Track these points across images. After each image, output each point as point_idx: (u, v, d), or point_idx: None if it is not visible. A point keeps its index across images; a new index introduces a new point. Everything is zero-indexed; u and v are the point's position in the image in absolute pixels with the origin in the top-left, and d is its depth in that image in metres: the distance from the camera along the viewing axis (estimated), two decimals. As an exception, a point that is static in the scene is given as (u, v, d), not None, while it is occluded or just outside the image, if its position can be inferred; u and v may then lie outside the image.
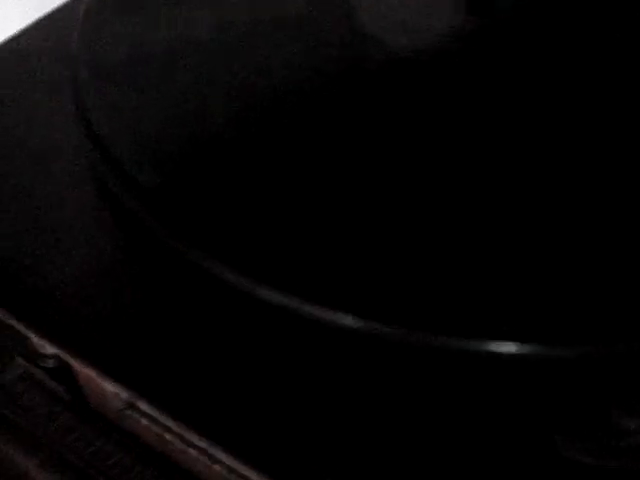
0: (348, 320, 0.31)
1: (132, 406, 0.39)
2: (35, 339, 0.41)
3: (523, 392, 0.30)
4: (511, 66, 0.39)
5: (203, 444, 0.33)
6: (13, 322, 0.37)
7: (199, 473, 0.40)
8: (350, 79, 0.39)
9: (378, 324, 0.31)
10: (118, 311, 0.34)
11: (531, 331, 0.30)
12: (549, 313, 0.31)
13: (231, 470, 0.37)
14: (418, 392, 0.30)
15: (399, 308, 0.31)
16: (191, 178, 0.37)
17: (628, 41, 0.39)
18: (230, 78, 0.40)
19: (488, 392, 0.30)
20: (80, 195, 0.39)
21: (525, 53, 0.39)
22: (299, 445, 0.30)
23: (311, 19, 0.42)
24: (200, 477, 0.40)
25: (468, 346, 0.30)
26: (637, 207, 0.33)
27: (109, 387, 0.39)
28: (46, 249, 0.37)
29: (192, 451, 0.39)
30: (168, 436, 0.39)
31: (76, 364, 0.37)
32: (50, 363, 0.42)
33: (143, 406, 0.34)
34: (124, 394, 0.34)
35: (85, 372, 0.38)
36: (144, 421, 0.39)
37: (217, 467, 0.38)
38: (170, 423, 0.34)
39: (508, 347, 0.30)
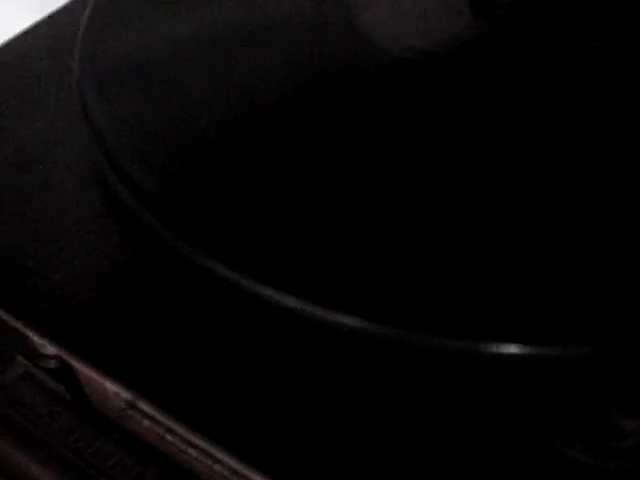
0: (349, 321, 0.31)
1: (133, 406, 0.39)
2: (36, 339, 0.41)
3: (523, 392, 0.30)
4: (513, 67, 0.39)
5: (204, 444, 0.33)
6: (14, 322, 0.37)
7: (200, 473, 0.40)
8: (351, 81, 0.39)
9: (380, 325, 0.31)
10: (119, 311, 0.34)
11: (531, 332, 0.30)
12: (549, 314, 0.31)
13: (232, 470, 0.37)
14: (418, 393, 0.30)
15: (400, 309, 0.31)
16: (195, 181, 0.37)
17: (629, 41, 0.39)
18: (233, 81, 0.40)
19: (488, 392, 0.30)
20: (82, 197, 0.39)
21: (527, 53, 0.39)
22: (300, 445, 0.30)
23: (313, 20, 0.42)
24: (201, 477, 0.40)
25: (468, 347, 0.30)
26: (637, 208, 0.33)
27: (110, 387, 0.39)
28: (47, 250, 0.37)
29: (193, 451, 0.39)
30: (169, 436, 0.39)
31: (77, 364, 0.37)
32: (51, 363, 0.42)
33: (144, 406, 0.34)
34: (125, 394, 0.34)
35: (86, 372, 0.38)
36: (145, 421, 0.39)
37: (218, 467, 0.38)
38: (171, 423, 0.34)
39: (508, 348, 0.30)
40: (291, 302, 0.32)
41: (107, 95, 0.40)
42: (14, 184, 0.40)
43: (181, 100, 0.40)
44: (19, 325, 0.37)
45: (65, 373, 0.41)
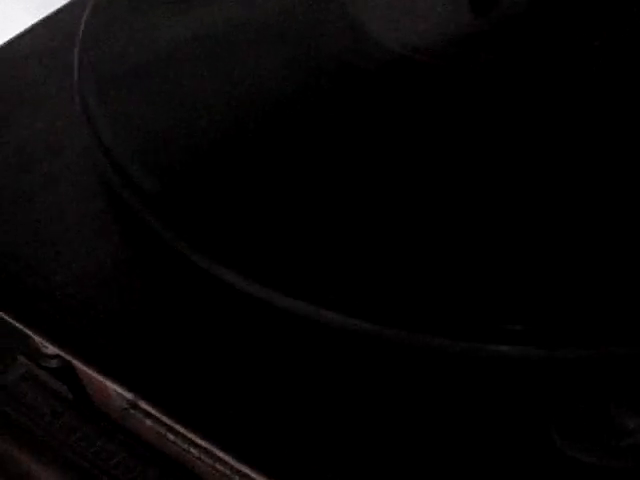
0: (349, 322, 0.31)
1: (135, 406, 0.39)
2: (37, 339, 0.41)
3: (524, 392, 0.30)
4: (513, 65, 0.39)
5: (206, 444, 0.33)
6: (15, 322, 0.37)
7: (202, 473, 0.40)
8: (351, 79, 0.39)
9: (382, 326, 0.31)
10: (120, 312, 0.34)
11: (532, 332, 0.30)
12: (550, 314, 0.31)
13: (234, 470, 0.37)
14: (420, 393, 0.30)
15: (402, 310, 0.31)
16: (195, 182, 0.37)
17: (630, 40, 0.39)
18: (232, 81, 0.40)
19: (489, 393, 0.30)
20: (83, 197, 0.39)
21: (527, 52, 0.39)
22: (301, 445, 0.30)
23: (313, 19, 0.42)
24: (203, 476, 0.40)
25: (469, 348, 0.30)
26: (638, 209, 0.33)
27: (112, 387, 0.39)
28: (48, 250, 0.37)
29: (195, 450, 0.39)
30: (171, 435, 0.39)
31: (79, 364, 0.37)
32: (53, 363, 0.42)
33: (146, 406, 0.34)
34: (127, 394, 0.34)
35: (88, 372, 0.38)
36: (147, 421, 0.39)
37: (220, 466, 0.38)
38: (172, 423, 0.34)
39: (510, 348, 0.30)
40: (292, 304, 0.32)
41: (107, 95, 0.40)
42: (14, 184, 0.40)
43: (181, 100, 0.40)
44: (20, 325, 0.37)
45: (67, 373, 0.41)
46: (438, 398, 0.30)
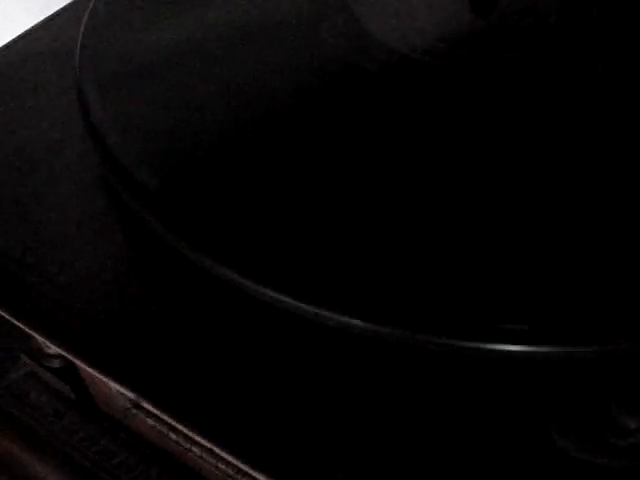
0: (353, 322, 0.31)
1: (137, 405, 0.39)
2: (40, 339, 0.41)
3: (525, 391, 0.30)
4: (515, 65, 0.39)
5: (208, 443, 0.33)
6: (18, 323, 0.37)
7: (204, 472, 0.40)
8: (355, 80, 0.39)
9: (384, 326, 0.31)
10: (122, 312, 0.34)
11: (533, 331, 0.30)
12: (551, 312, 0.31)
13: (237, 469, 0.37)
14: (420, 392, 0.30)
15: (403, 310, 0.31)
16: (196, 181, 0.37)
17: (631, 39, 0.39)
18: (234, 81, 0.40)
19: (491, 391, 0.30)
20: (85, 197, 0.39)
21: (527, 54, 0.39)
22: (303, 445, 0.30)
23: (315, 19, 0.42)
24: (205, 476, 0.40)
25: (469, 346, 0.30)
26: None
27: (115, 387, 0.39)
28: (50, 251, 0.37)
29: (197, 450, 0.39)
30: (173, 435, 0.39)
31: (81, 364, 0.37)
32: (55, 363, 0.42)
33: (148, 405, 0.34)
34: (130, 393, 0.34)
35: (90, 372, 0.39)
36: (149, 420, 0.40)
37: (222, 466, 0.38)
38: (175, 422, 0.34)
39: (510, 346, 0.30)
40: (293, 303, 0.32)
41: (108, 96, 0.40)
42: (16, 185, 0.40)
43: (182, 101, 0.40)
44: (23, 325, 0.37)
45: (69, 373, 0.41)
46: (440, 397, 0.30)
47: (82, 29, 0.43)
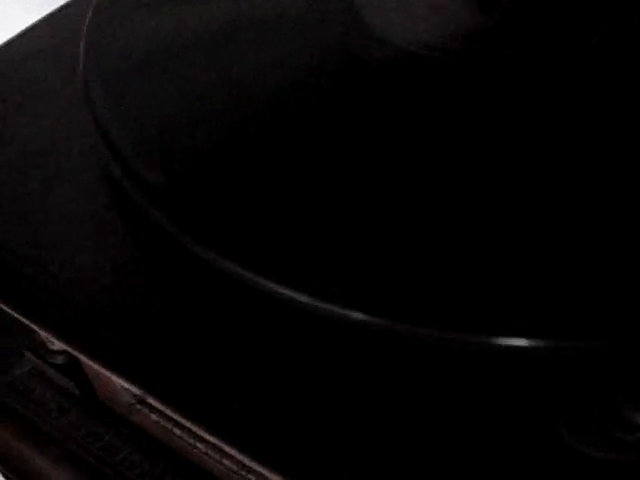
0: (358, 316, 0.31)
1: (142, 401, 0.39)
2: (44, 335, 0.41)
3: (532, 386, 0.30)
4: (521, 62, 0.39)
5: (213, 438, 0.33)
6: (22, 318, 0.37)
7: (209, 468, 0.40)
8: (354, 75, 0.40)
9: (389, 321, 0.31)
10: (128, 307, 0.34)
11: (541, 325, 0.30)
12: (559, 307, 0.31)
13: (241, 464, 0.37)
14: (428, 387, 0.30)
15: (409, 304, 0.31)
16: (200, 175, 0.37)
17: (632, 37, 0.40)
18: (237, 74, 0.40)
19: (498, 386, 0.30)
20: (88, 193, 0.39)
21: (533, 50, 0.39)
22: (308, 439, 0.30)
23: (317, 16, 0.42)
24: (210, 472, 0.40)
25: (477, 340, 0.30)
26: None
27: (119, 382, 0.39)
28: (54, 247, 0.37)
29: (202, 445, 0.39)
30: (177, 431, 0.39)
31: (85, 360, 0.37)
32: (59, 359, 0.42)
33: (153, 401, 0.35)
34: (134, 388, 0.34)
35: (94, 368, 0.39)
36: (154, 416, 0.40)
37: (227, 461, 0.38)
38: (180, 417, 0.34)
39: (518, 341, 0.30)
40: (298, 297, 0.32)
41: (112, 90, 0.40)
42: (19, 182, 0.40)
43: (186, 94, 0.40)
44: (27, 321, 0.37)
45: (73, 369, 0.42)
46: (446, 392, 0.30)
47: (86, 24, 0.43)
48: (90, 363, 0.36)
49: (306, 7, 0.43)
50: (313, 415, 0.30)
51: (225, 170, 0.37)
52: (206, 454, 0.39)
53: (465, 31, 0.40)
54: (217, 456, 0.39)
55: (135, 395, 0.39)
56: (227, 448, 0.32)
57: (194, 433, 0.39)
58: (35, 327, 0.37)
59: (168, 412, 0.35)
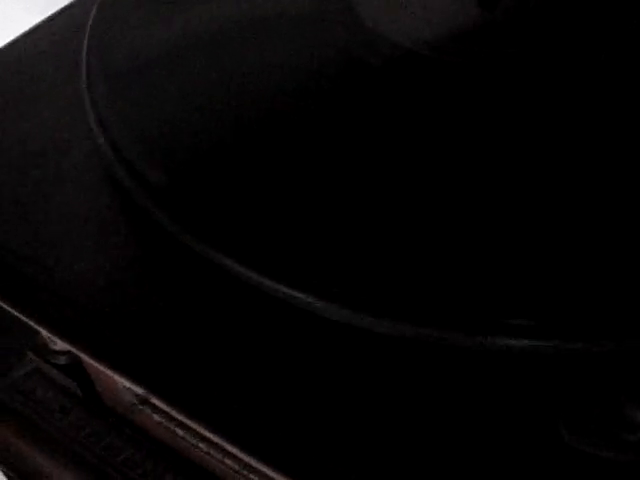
0: (359, 317, 0.31)
1: (144, 401, 0.40)
2: (46, 335, 0.41)
3: (533, 386, 0.30)
4: (518, 62, 0.39)
5: (215, 437, 0.33)
6: (25, 318, 0.37)
7: (210, 468, 0.40)
8: (356, 74, 0.40)
9: (390, 321, 0.31)
10: (130, 307, 0.34)
11: (541, 326, 0.30)
12: (561, 307, 0.31)
13: (243, 464, 0.37)
14: (427, 387, 0.30)
15: (411, 305, 0.31)
16: (202, 175, 0.37)
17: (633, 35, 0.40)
18: (239, 74, 0.40)
19: (499, 386, 0.30)
20: (90, 193, 0.39)
21: (532, 49, 0.39)
22: (312, 439, 0.30)
23: (318, 15, 0.42)
24: (212, 472, 0.40)
25: (479, 342, 0.30)
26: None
27: (121, 383, 0.39)
28: (56, 247, 0.37)
29: (204, 445, 0.39)
30: (180, 431, 0.39)
31: (88, 360, 0.37)
32: (62, 360, 0.42)
33: (156, 401, 0.35)
34: (137, 389, 0.34)
35: (97, 368, 0.39)
36: (156, 416, 0.40)
37: (229, 461, 0.38)
38: (183, 418, 0.34)
39: (518, 343, 0.30)
40: (299, 297, 0.32)
41: (116, 89, 0.40)
42: (22, 181, 0.40)
43: (189, 93, 0.40)
44: (30, 321, 0.37)
45: (76, 369, 0.42)
46: (447, 392, 0.30)
47: (89, 24, 0.43)
48: (92, 362, 0.36)
49: (307, 7, 0.43)
50: (316, 414, 0.30)
51: (229, 170, 0.37)
52: (208, 454, 0.39)
53: (466, 30, 0.40)
54: (219, 456, 0.39)
55: (137, 395, 0.39)
56: (230, 447, 0.32)
57: (196, 433, 0.39)
58: (38, 327, 0.38)
59: (170, 412, 0.35)
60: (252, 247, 0.34)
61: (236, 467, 0.38)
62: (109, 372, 0.35)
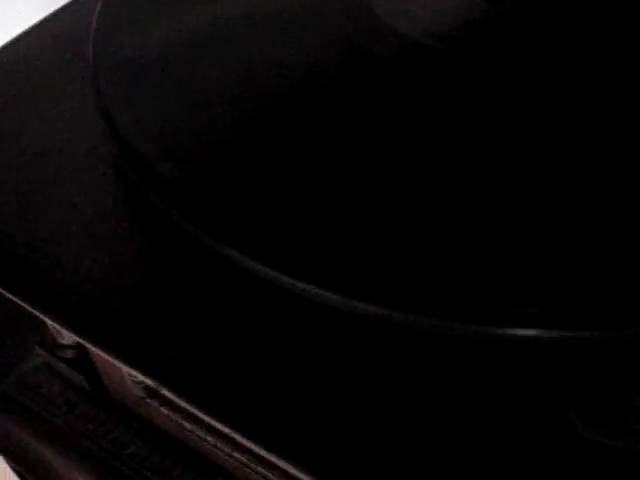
0: (367, 307, 0.31)
1: (152, 395, 0.40)
2: (54, 329, 0.41)
3: (544, 376, 0.30)
4: (523, 55, 0.39)
5: (224, 428, 0.33)
6: (34, 311, 0.37)
7: (219, 461, 0.40)
8: (362, 65, 0.40)
9: (398, 311, 0.31)
10: (140, 300, 0.34)
11: (552, 316, 0.30)
12: (569, 296, 0.31)
13: (252, 456, 0.37)
14: (437, 377, 0.30)
15: (419, 296, 0.31)
16: (212, 169, 0.37)
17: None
18: (247, 68, 0.40)
19: (510, 377, 0.30)
20: (98, 188, 0.39)
21: (538, 42, 0.39)
22: (320, 430, 0.30)
23: (324, 6, 0.42)
24: (220, 465, 0.40)
25: (489, 332, 0.30)
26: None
27: (128, 376, 0.39)
28: (65, 240, 0.37)
29: (212, 438, 0.39)
30: (188, 424, 0.39)
31: (96, 353, 0.37)
32: (69, 353, 0.42)
33: (164, 394, 0.35)
34: (143, 379, 0.34)
35: (104, 361, 0.39)
36: (164, 409, 0.40)
37: (237, 454, 0.38)
38: (191, 411, 0.34)
39: (529, 332, 0.30)
40: (310, 290, 0.32)
41: (123, 82, 0.40)
42: (31, 177, 0.40)
43: (197, 88, 0.40)
44: (39, 314, 0.37)
45: (83, 363, 0.42)
46: (459, 383, 0.30)
47: (95, 17, 0.43)
48: (98, 354, 0.36)
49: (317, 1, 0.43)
50: (326, 405, 0.30)
51: (238, 163, 0.37)
52: (216, 447, 0.39)
53: (472, 22, 0.40)
54: (227, 449, 0.39)
55: (145, 388, 0.39)
56: (239, 438, 0.32)
57: (204, 426, 0.39)
58: (44, 317, 0.38)
59: (178, 404, 0.35)
60: (260, 239, 0.34)
61: (244, 460, 0.38)
62: (115, 362, 0.35)
